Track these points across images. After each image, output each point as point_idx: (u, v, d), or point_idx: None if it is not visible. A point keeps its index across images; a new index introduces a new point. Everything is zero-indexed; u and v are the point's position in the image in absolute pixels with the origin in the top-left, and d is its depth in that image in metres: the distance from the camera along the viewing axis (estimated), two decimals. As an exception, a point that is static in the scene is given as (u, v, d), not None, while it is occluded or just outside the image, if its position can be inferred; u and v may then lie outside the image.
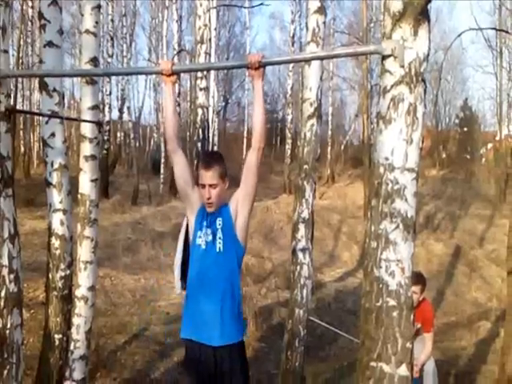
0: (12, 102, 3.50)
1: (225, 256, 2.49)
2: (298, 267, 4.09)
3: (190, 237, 2.61)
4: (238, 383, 2.49)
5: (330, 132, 22.10)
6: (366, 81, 15.18)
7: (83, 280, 3.63)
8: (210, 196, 2.45)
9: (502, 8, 17.50)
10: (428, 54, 2.00)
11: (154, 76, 20.93)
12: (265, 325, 6.05)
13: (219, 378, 2.48)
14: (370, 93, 15.14)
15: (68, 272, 3.70)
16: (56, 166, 3.61)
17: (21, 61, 16.11)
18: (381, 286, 1.93)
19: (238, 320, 2.52)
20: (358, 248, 10.79)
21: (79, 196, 3.64)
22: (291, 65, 18.80)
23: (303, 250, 4.08)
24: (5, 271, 2.56)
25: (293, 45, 19.55)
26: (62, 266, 3.66)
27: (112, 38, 16.05)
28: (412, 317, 1.94)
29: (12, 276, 2.59)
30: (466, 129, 23.85)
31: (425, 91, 2.00)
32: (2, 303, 2.56)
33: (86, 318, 3.63)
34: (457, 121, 25.22)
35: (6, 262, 2.56)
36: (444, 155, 22.94)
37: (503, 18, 17.95)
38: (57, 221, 3.64)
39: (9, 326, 2.55)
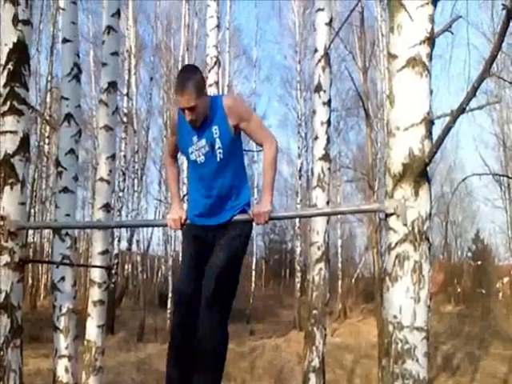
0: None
1: (227, 162, 2.37)
2: (310, 422, 3.81)
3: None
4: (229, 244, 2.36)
5: (339, 264, 21.84)
6: (374, 215, 15.40)
7: None
8: (192, 118, 2.30)
9: (506, 144, 17.50)
10: (430, 213, 2.09)
11: (162, 208, 21.39)
12: None
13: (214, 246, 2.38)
14: (379, 226, 15.28)
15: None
16: (64, 310, 3.60)
17: (34, 193, 16.39)
18: None
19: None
20: (374, 394, 10.06)
21: (85, 342, 3.58)
22: (299, 198, 19.34)
23: (315, 403, 3.83)
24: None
25: (300, 178, 20.23)
26: (61, 419, 3.46)
27: (124, 173, 16.69)
28: None
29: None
30: (479, 262, 23.53)
31: (429, 249, 2.05)
32: None
33: None
34: (469, 254, 24.99)
35: (5, 418, 2.43)
36: (459, 289, 22.35)
37: (508, 153, 17.87)
38: (62, 368, 3.55)
39: None
